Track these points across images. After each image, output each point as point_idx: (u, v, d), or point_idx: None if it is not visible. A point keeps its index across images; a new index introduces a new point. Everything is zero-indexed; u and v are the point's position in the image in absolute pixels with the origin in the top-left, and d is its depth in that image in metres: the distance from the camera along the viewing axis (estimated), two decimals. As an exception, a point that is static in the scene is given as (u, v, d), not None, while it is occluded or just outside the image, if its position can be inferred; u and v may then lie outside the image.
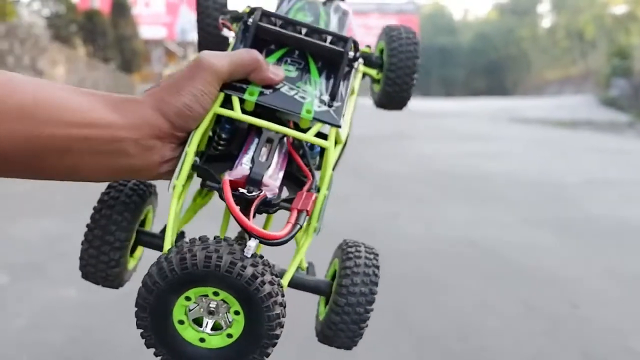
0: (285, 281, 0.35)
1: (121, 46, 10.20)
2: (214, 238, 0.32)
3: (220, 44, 0.48)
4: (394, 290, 2.02)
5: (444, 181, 4.10)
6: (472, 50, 29.53)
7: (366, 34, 19.13)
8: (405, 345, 1.63)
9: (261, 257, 0.32)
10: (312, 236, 0.37)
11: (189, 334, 0.33)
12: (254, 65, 0.38)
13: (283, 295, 0.32)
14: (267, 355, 0.33)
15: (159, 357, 0.34)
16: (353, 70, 0.43)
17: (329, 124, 0.39)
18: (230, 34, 0.47)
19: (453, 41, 29.93)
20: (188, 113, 0.36)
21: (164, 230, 0.45)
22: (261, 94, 0.39)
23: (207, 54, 0.38)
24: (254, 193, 0.35)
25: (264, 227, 0.42)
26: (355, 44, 0.42)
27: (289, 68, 0.41)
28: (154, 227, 0.48)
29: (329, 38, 0.42)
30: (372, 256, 0.43)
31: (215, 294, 0.31)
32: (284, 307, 0.32)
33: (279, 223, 0.37)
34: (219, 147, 0.41)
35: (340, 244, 0.46)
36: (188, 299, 0.32)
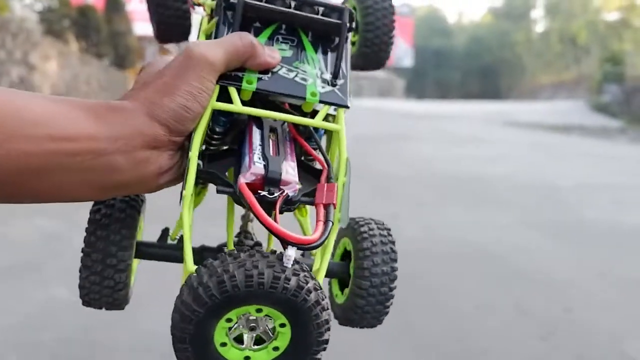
0: (320, 280, 0.33)
1: (115, 42, 10.13)
2: (245, 251, 0.30)
3: (181, 25, 0.43)
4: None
5: (440, 183, 4.11)
6: (466, 53, 29.70)
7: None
8: (403, 347, 1.62)
9: (297, 262, 0.29)
10: (337, 228, 0.34)
11: (232, 354, 0.31)
12: (250, 51, 0.34)
13: (324, 298, 0.30)
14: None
15: None
16: (348, 42, 0.39)
17: (337, 105, 0.36)
18: (201, 12, 0.43)
19: (448, 44, 30.09)
20: (186, 114, 0.32)
21: (162, 237, 0.42)
22: (259, 80, 0.35)
23: (196, 44, 0.34)
24: (275, 194, 0.32)
25: None
26: (351, 14, 0.38)
27: (283, 47, 0.37)
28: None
29: (321, 10, 0.38)
30: (385, 232, 0.42)
31: (259, 310, 0.29)
32: (329, 310, 0.31)
33: (284, 219, 0.35)
34: (213, 143, 0.37)
35: (348, 223, 0.43)
36: (229, 320, 0.30)
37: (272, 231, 0.30)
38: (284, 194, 0.32)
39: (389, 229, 0.42)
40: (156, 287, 1.94)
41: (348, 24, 0.37)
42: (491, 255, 2.48)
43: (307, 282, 0.29)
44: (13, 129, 0.29)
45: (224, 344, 0.30)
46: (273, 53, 0.36)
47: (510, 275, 2.24)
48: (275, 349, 0.31)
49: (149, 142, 0.32)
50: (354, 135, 6.63)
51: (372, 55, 0.45)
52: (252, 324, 0.30)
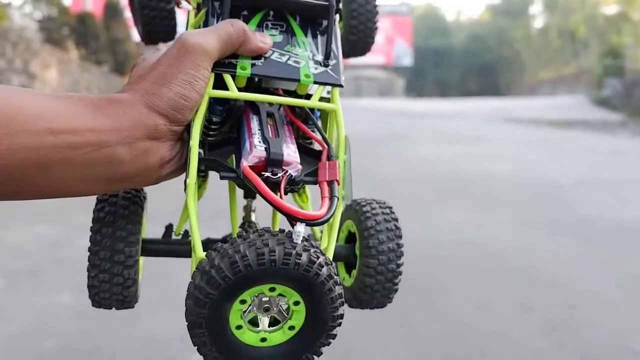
0: (329, 256, 0.33)
1: (114, 49, 10.15)
2: (254, 232, 0.30)
3: (167, 25, 0.43)
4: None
5: (440, 183, 4.10)
6: (465, 51, 29.66)
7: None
8: (404, 347, 1.62)
9: (306, 239, 0.30)
10: (342, 205, 0.35)
11: (248, 337, 0.31)
12: (242, 37, 0.35)
13: (337, 274, 0.30)
14: (334, 337, 0.32)
15: None
16: (336, 23, 0.40)
17: (331, 84, 0.37)
18: (187, 7, 0.43)
19: (446, 42, 30.05)
20: (185, 103, 0.33)
21: (166, 233, 0.43)
22: (253, 66, 0.36)
23: (190, 34, 0.34)
24: (278, 175, 0.33)
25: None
26: None
27: (272, 32, 0.38)
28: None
29: None
30: (387, 210, 0.42)
31: (272, 289, 0.30)
32: (341, 285, 0.31)
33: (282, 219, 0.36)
34: (211, 133, 0.38)
35: (349, 204, 0.43)
36: (243, 302, 0.30)
37: (279, 209, 0.30)
38: (287, 174, 0.33)
39: (391, 207, 0.43)
40: (158, 292, 1.95)
41: (335, 5, 0.38)
42: (493, 254, 2.48)
43: (318, 257, 0.29)
44: (14, 124, 0.29)
45: (239, 327, 0.31)
46: (264, 38, 0.36)
47: (513, 274, 2.24)
48: (291, 328, 0.31)
49: (149, 133, 0.32)
50: (353, 136, 6.58)
51: (358, 42, 0.46)
52: (266, 305, 0.30)
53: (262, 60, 0.36)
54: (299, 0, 0.37)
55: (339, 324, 0.31)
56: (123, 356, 1.56)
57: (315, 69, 0.37)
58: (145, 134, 0.32)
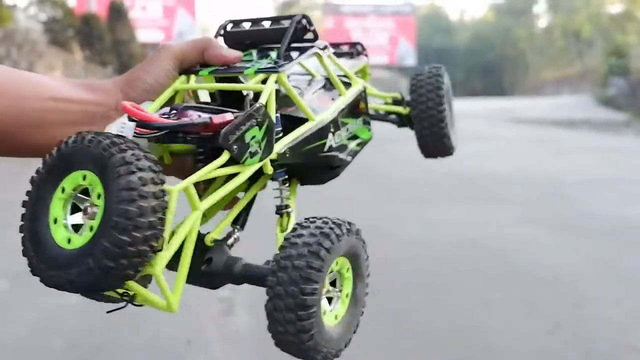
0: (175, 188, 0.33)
1: (118, 50, 10.20)
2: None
3: None
4: (396, 291, 2.01)
5: (444, 182, 4.10)
6: (469, 50, 29.58)
7: (364, 36, 19.18)
8: (407, 345, 1.62)
9: (137, 145, 0.31)
10: (248, 170, 0.37)
11: (59, 234, 0.32)
12: (205, 43, 0.43)
13: (143, 168, 0.30)
14: (118, 244, 0.29)
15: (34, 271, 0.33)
16: (316, 49, 0.46)
17: (267, 71, 0.41)
18: None
19: (450, 42, 29.99)
20: (138, 83, 0.42)
21: None
22: (216, 70, 0.43)
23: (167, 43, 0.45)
24: (171, 117, 0.37)
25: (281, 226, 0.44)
26: (306, 17, 0.45)
27: (251, 53, 0.45)
28: None
29: (284, 22, 0.45)
30: (325, 226, 0.37)
31: (85, 177, 0.31)
32: (146, 184, 0.29)
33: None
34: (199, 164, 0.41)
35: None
36: (64, 190, 0.32)
37: (122, 108, 0.34)
38: (179, 118, 0.37)
39: (340, 224, 0.38)
40: (160, 293, 1.96)
41: (294, 25, 0.44)
42: (497, 252, 2.47)
43: (122, 143, 0.30)
44: (27, 92, 0.39)
45: (56, 221, 0.32)
46: (231, 52, 0.44)
47: (517, 272, 2.24)
48: (91, 229, 0.30)
49: (115, 106, 0.42)
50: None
51: (432, 146, 0.56)
52: (78, 195, 0.32)
53: (227, 67, 0.44)
54: (270, 28, 0.45)
55: (126, 228, 0.29)
56: (129, 356, 1.57)
57: (263, 66, 0.42)
58: (113, 106, 0.42)
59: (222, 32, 0.47)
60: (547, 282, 2.14)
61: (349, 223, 0.38)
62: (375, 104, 0.59)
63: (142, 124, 0.34)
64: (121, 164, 0.30)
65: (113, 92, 0.42)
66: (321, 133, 0.44)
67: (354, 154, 0.49)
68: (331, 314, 0.38)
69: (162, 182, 0.31)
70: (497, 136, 7.09)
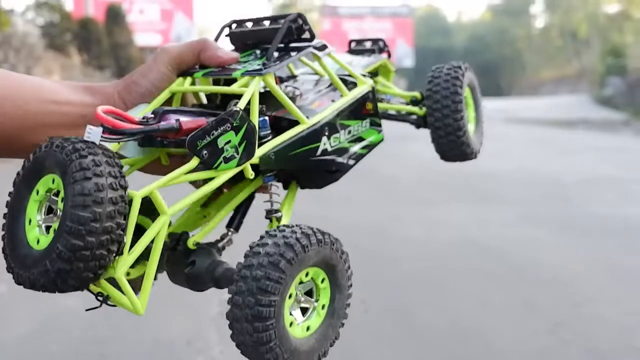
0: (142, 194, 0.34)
1: (116, 54, 10.19)
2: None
3: None
4: (397, 290, 2.01)
5: (444, 182, 4.10)
6: (466, 51, 29.62)
7: (361, 38, 19.11)
8: (408, 345, 1.62)
9: (102, 150, 0.32)
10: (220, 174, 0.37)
11: (31, 234, 0.33)
12: (201, 45, 0.43)
13: (116, 189, 0.31)
14: (72, 248, 0.29)
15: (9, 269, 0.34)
16: (311, 49, 0.45)
17: (252, 73, 0.41)
18: None
19: (447, 43, 30.04)
20: (134, 87, 0.43)
21: None
22: (211, 72, 0.43)
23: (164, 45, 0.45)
24: (149, 121, 0.38)
25: (283, 208, 0.44)
26: (301, 16, 0.44)
27: (253, 53, 0.45)
28: None
29: (281, 22, 0.45)
30: (292, 236, 0.36)
31: (54, 181, 0.32)
32: (101, 190, 0.30)
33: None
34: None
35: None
36: (38, 192, 0.33)
37: (96, 116, 0.35)
38: (158, 122, 0.37)
39: (310, 234, 0.37)
40: (164, 296, 1.95)
41: (287, 25, 0.44)
42: (497, 251, 2.47)
43: (84, 149, 0.31)
44: (29, 95, 0.40)
45: (30, 221, 0.33)
46: (227, 53, 0.44)
47: (517, 271, 2.24)
48: (54, 231, 0.32)
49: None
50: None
51: (449, 153, 0.54)
52: (50, 197, 0.33)
53: (222, 69, 0.44)
54: (266, 28, 0.45)
55: (81, 231, 0.29)
56: (129, 357, 1.57)
57: (251, 69, 0.42)
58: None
59: (226, 32, 0.47)
60: (547, 281, 2.14)
61: (323, 233, 0.37)
62: (396, 103, 0.57)
63: (108, 129, 0.34)
64: (77, 169, 0.30)
65: (112, 95, 0.43)
66: (313, 136, 0.42)
67: (358, 157, 0.47)
68: (301, 325, 0.37)
69: (124, 188, 0.32)
70: (495, 136, 7.10)
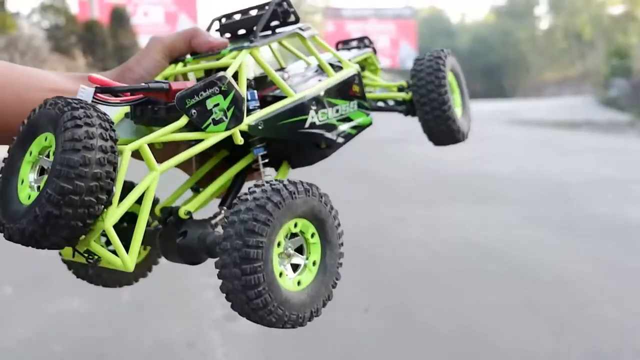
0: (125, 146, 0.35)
1: (121, 56, 10.23)
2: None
3: None
4: (398, 292, 2.01)
5: (446, 183, 4.09)
6: (470, 53, 29.54)
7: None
8: (410, 346, 1.62)
9: (93, 106, 0.33)
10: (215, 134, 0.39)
11: (23, 193, 0.34)
12: (192, 32, 0.46)
13: (106, 139, 0.32)
14: (61, 191, 0.30)
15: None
16: (296, 29, 0.47)
17: (239, 48, 0.44)
18: None
19: (451, 45, 29.98)
20: (129, 74, 0.44)
21: None
22: (200, 56, 0.46)
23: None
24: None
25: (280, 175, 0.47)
26: (283, 2, 0.47)
27: (237, 42, 0.47)
28: None
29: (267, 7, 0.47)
30: (279, 184, 0.37)
31: (46, 139, 0.33)
32: (100, 146, 0.31)
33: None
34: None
35: None
36: (31, 154, 0.34)
37: (89, 79, 0.37)
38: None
39: (297, 184, 0.37)
40: (165, 298, 1.96)
41: (272, 7, 0.46)
42: (499, 253, 2.47)
43: (76, 103, 0.33)
44: (29, 84, 0.42)
45: (22, 182, 0.34)
46: (219, 39, 0.47)
47: (519, 273, 2.24)
48: (39, 188, 0.33)
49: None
50: (358, 138, 6.58)
51: (437, 131, 0.54)
52: (43, 158, 0.34)
53: (212, 53, 0.46)
54: (253, 16, 0.47)
55: (70, 174, 0.30)
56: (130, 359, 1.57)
57: (239, 46, 0.45)
58: None
59: (217, 26, 0.50)
60: (549, 283, 2.13)
61: (310, 185, 0.38)
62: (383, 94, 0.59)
63: (100, 88, 0.36)
64: (69, 119, 0.32)
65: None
66: (300, 109, 0.44)
67: (347, 136, 0.48)
68: (293, 279, 0.37)
69: (114, 140, 0.33)
70: (499, 138, 7.08)
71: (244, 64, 0.42)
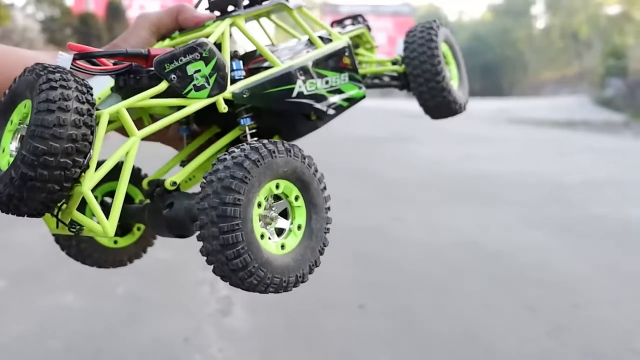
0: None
1: (117, 49, 10.17)
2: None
3: None
4: (398, 292, 2.01)
5: (445, 183, 4.10)
6: (467, 51, 29.55)
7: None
8: (409, 346, 1.62)
9: (71, 72, 0.33)
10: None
11: (4, 160, 0.34)
12: (178, 8, 0.46)
13: (83, 102, 0.32)
14: (35, 152, 0.30)
15: None
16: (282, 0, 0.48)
17: (222, 17, 0.44)
18: None
19: (448, 42, 29.94)
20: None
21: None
22: (186, 31, 0.47)
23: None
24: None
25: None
26: None
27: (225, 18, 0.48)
28: None
29: None
30: (259, 143, 0.37)
31: (25, 106, 0.33)
32: (76, 108, 0.31)
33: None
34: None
35: None
36: (12, 122, 0.34)
37: (68, 46, 0.37)
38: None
39: (273, 143, 0.37)
40: (158, 292, 1.95)
41: None
42: (497, 253, 2.47)
43: (53, 68, 0.33)
44: (16, 62, 0.41)
45: (4, 150, 0.34)
46: (206, 13, 0.46)
47: (517, 273, 2.23)
48: (11, 155, 0.34)
49: None
50: (356, 137, 6.62)
51: (432, 103, 0.53)
52: (20, 124, 0.34)
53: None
54: None
55: (44, 134, 0.30)
56: (127, 356, 1.56)
57: (223, 16, 0.46)
58: None
59: (206, 4, 0.50)
60: (547, 283, 2.13)
61: (292, 146, 0.37)
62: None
63: (79, 54, 0.36)
64: (44, 82, 0.32)
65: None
66: (287, 78, 0.44)
67: (338, 108, 0.48)
68: (276, 242, 0.37)
69: (91, 103, 0.32)
70: (496, 137, 7.09)
71: (226, 31, 0.42)
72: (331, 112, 0.48)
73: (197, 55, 0.38)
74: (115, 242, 0.47)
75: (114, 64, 0.39)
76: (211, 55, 0.38)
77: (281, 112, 0.45)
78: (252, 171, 0.34)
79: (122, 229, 0.48)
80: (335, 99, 0.48)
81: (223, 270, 0.35)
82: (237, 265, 0.34)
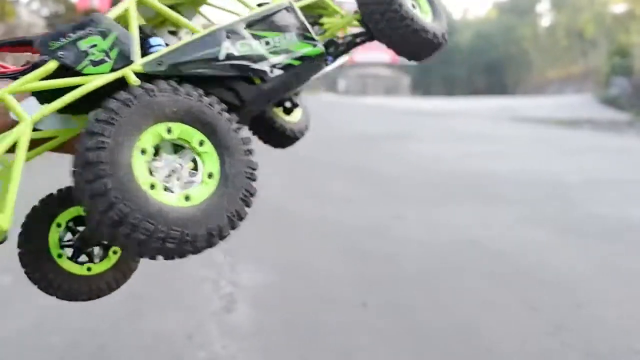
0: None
1: (121, 46, 10.18)
2: None
3: None
4: (398, 290, 2.01)
5: (446, 181, 4.09)
6: (472, 49, 29.45)
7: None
8: (409, 345, 1.62)
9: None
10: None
11: None
12: None
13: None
14: None
15: None
16: None
17: None
18: None
19: (453, 40, 29.83)
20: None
21: None
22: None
23: None
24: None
25: None
26: None
27: None
28: None
29: None
30: (121, 92, 0.35)
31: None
32: None
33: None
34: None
35: None
36: None
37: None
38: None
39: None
40: (161, 289, 1.96)
41: None
42: (499, 252, 2.47)
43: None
44: None
45: None
46: None
47: (518, 272, 2.23)
48: None
49: None
50: (358, 135, 6.61)
51: (402, 41, 0.51)
52: None
53: None
54: None
55: None
56: (129, 353, 1.57)
57: None
58: None
59: None
60: (548, 282, 2.13)
61: (187, 85, 0.34)
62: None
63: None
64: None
65: None
66: (210, 41, 0.42)
67: (286, 67, 0.46)
68: (177, 194, 0.33)
69: None
70: (499, 135, 7.07)
71: (133, 4, 0.41)
72: (277, 72, 0.45)
73: (91, 31, 0.36)
74: (89, 269, 0.45)
75: (22, 65, 0.37)
76: (109, 28, 0.37)
77: (215, 78, 0.42)
78: (120, 111, 0.31)
79: (100, 254, 0.46)
80: (280, 58, 0.45)
81: (102, 229, 0.31)
82: (112, 218, 0.30)
